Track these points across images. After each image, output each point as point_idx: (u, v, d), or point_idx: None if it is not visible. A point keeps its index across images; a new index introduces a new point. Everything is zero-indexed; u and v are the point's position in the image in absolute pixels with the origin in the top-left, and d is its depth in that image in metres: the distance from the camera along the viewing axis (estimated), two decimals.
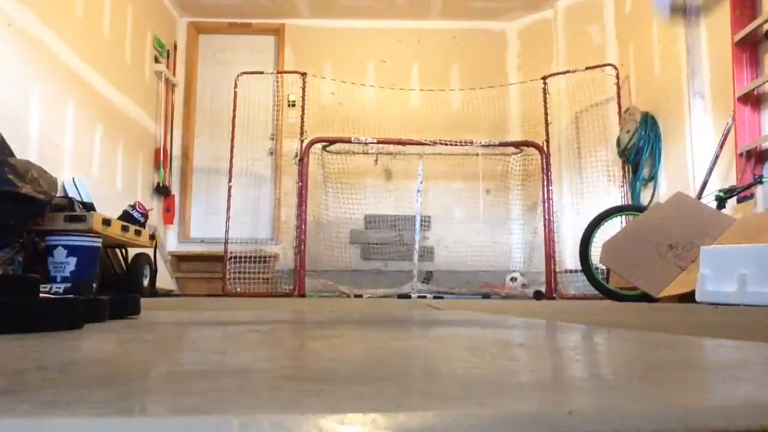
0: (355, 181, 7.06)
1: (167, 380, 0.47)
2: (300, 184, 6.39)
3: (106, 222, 4.47)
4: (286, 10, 7.51)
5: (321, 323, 1.20)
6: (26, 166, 3.96)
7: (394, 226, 7.08)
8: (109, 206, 5.06)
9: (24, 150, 4.38)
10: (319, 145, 6.62)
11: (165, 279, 6.33)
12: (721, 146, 4.67)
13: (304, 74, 6.72)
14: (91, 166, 5.53)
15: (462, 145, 6.53)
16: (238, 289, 6.25)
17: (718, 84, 4.85)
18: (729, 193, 4.23)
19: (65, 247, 4.19)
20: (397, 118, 7.22)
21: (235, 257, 6.40)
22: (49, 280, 4.12)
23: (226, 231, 6.35)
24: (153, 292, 5.34)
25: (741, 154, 4.45)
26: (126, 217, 5.07)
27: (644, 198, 5.85)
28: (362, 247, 7.18)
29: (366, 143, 6.46)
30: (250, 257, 6.45)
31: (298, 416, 0.30)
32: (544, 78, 6.68)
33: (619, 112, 6.18)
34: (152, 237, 5.39)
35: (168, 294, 5.95)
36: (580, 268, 4.68)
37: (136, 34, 6.45)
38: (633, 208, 5.22)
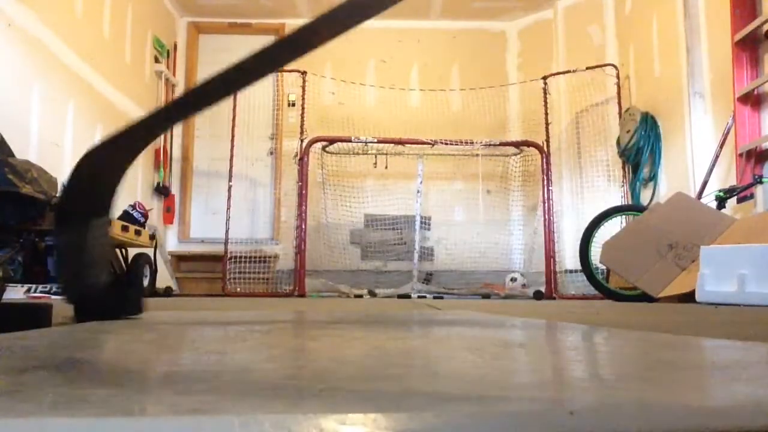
0: (355, 181, 7.06)
1: (167, 380, 0.47)
2: (300, 184, 6.39)
3: None
4: (286, 10, 7.51)
5: (321, 323, 1.21)
6: (26, 166, 3.96)
7: (394, 226, 7.08)
8: None
9: (24, 150, 4.38)
10: (318, 145, 6.62)
11: (165, 279, 6.33)
12: (721, 146, 4.67)
13: (304, 73, 6.72)
14: None
15: (462, 145, 6.53)
16: (238, 289, 6.25)
17: (718, 84, 4.85)
18: (729, 193, 4.23)
19: None
20: (397, 117, 7.22)
21: (235, 257, 6.40)
22: (49, 280, 4.12)
23: (226, 231, 6.35)
24: (153, 292, 5.34)
25: (741, 154, 4.45)
26: (126, 217, 5.07)
27: (644, 198, 5.85)
28: (362, 247, 7.18)
29: (366, 143, 6.45)
30: (250, 257, 6.45)
31: (299, 416, 0.30)
32: (544, 78, 6.68)
33: (619, 112, 6.18)
34: (152, 237, 5.40)
35: (168, 294, 5.95)
36: (580, 268, 4.68)
37: (136, 34, 6.45)
38: (633, 208, 5.23)
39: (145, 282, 5.25)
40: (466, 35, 7.73)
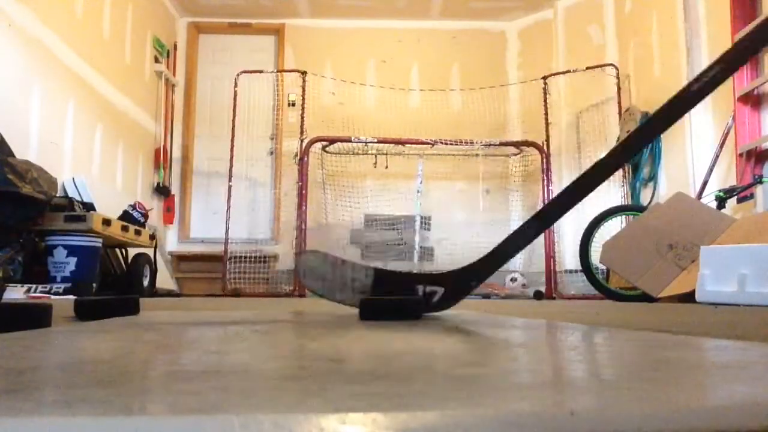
0: (355, 181, 7.06)
1: (167, 380, 0.47)
2: (300, 184, 6.39)
3: (106, 222, 4.47)
4: (286, 10, 7.51)
5: (321, 323, 1.21)
6: (26, 166, 3.96)
7: (394, 226, 7.08)
8: (109, 206, 5.06)
9: (24, 150, 4.38)
10: (319, 145, 6.62)
11: (165, 279, 6.33)
12: (721, 146, 4.68)
13: (304, 73, 6.72)
14: (91, 166, 5.53)
15: (462, 145, 6.53)
16: (238, 289, 6.25)
17: None
18: (729, 193, 4.23)
19: (65, 247, 4.19)
20: (397, 118, 7.22)
21: (235, 257, 6.40)
22: (49, 280, 4.12)
23: (226, 231, 6.35)
24: (153, 292, 5.35)
25: (741, 154, 4.45)
26: (126, 217, 5.07)
27: (644, 198, 5.85)
28: (362, 247, 7.18)
29: (366, 143, 6.45)
30: (250, 257, 6.45)
31: (299, 416, 0.30)
32: (544, 78, 6.68)
33: (619, 112, 6.18)
34: (152, 237, 5.40)
35: (168, 294, 5.95)
36: (580, 268, 4.68)
37: (136, 34, 6.45)
38: (633, 208, 5.23)
39: (145, 282, 5.25)
40: (466, 35, 7.73)
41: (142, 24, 6.62)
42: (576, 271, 5.58)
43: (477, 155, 6.94)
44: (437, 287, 1.37)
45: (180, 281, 6.80)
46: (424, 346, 0.79)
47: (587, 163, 6.59)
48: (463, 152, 6.88)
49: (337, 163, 6.92)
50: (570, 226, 6.49)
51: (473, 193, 7.36)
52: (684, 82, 4.66)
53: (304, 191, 6.35)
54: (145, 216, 5.31)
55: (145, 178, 6.80)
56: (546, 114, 6.64)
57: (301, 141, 6.53)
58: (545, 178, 6.48)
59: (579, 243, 4.61)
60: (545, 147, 6.49)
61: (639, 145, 1.16)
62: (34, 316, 1.02)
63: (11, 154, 4.06)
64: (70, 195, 4.82)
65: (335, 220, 7.02)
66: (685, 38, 5.20)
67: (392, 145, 6.62)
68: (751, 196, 4.37)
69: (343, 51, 7.63)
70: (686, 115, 5.23)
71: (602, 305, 3.49)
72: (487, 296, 6.12)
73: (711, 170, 4.74)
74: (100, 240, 4.42)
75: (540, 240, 6.51)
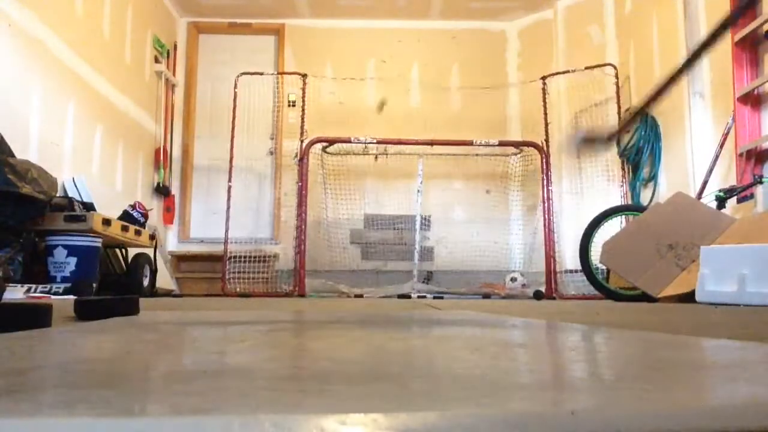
0: (355, 181, 7.06)
1: (168, 380, 0.47)
2: (300, 184, 6.39)
3: (106, 222, 4.47)
4: (286, 10, 7.51)
5: (321, 323, 1.21)
6: (26, 166, 3.96)
7: (394, 226, 7.08)
8: (109, 206, 5.06)
9: (24, 150, 4.38)
10: (319, 145, 6.62)
11: (165, 279, 6.33)
12: (721, 146, 4.67)
13: (304, 75, 6.72)
14: (91, 166, 5.53)
15: (462, 145, 6.53)
16: (238, 289, 6.25)
17: (718, 84, 4.85)
18: (729, 193, 4.23)
19: (65, 247, 4.19)
20: (397, 117, 7.22)
21: (235, 257, 6.40)
22: (49, 280, 4.12)
23: (226, 231, 6.35)
24: (153, 292, 5.34)
25: (741, 154, 4.45)
26: (126, 217, 5.07)
27: (644, 198, 5.85)
28: (362, 247, 7.18)
29: (366, 143, 6.45)
30: (250, 257, 6.45)
31: (300, 417, 0.30)
32: (544, 78, 6.68)
33: (619, 112, 6.18)
34: (152, 237, 5.40)
35: (168, 294, 5.94)
36: (580, 268, 4.68)
37: (136, 34, 6.45)
38: (633, 208, 5.23)
39: (145, 282, 5.25)
40: (466, 35, 7.73)
41: (142, 24, 6.62)
42: (576, 271, 5.58)
43: (477, 155, 6.94)
44: None
45: (180, 281, 6.79)
46: (424, 347, 0.79)
47: (587, 164, 6.60)
48: (462, 152, 6.87)
49: (337, 163, 6.92)
50: (570, 226, 6.49)
51: (473, 193, 7.36)
52: (684, 82, 4.73)
53: (304, 191, 6.35)
54: (145, 216, 5.31)
55: (145, 178, 6.80)
56: (546, 114, 6.63)
57: (301, 141, 6.52)
58: (545, 178, 6.47)
59: (579, 243, 4.61)
60: (545, 147, 6.48)
61: None
62: (34, 316, 1.02)
63: (11, 154, 4.06)
64: (70, 195, 4.82)
65: (335, 220, 7.02)
66: (685, 38, 5.20)
67: (392, 145, 6.62)
68: (751, 196, 4.37)
69: (343, 51, 7.63)
70: (686, 114, 5.25)
71: (602, 305, 3.48)
72: (487, 296, 6.12)
73: (711, 170, 4.74)
74: (100, 240, 4.42)
75: (540, 240, 6.51)
